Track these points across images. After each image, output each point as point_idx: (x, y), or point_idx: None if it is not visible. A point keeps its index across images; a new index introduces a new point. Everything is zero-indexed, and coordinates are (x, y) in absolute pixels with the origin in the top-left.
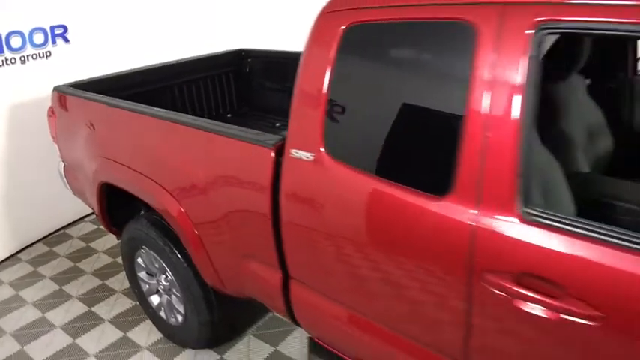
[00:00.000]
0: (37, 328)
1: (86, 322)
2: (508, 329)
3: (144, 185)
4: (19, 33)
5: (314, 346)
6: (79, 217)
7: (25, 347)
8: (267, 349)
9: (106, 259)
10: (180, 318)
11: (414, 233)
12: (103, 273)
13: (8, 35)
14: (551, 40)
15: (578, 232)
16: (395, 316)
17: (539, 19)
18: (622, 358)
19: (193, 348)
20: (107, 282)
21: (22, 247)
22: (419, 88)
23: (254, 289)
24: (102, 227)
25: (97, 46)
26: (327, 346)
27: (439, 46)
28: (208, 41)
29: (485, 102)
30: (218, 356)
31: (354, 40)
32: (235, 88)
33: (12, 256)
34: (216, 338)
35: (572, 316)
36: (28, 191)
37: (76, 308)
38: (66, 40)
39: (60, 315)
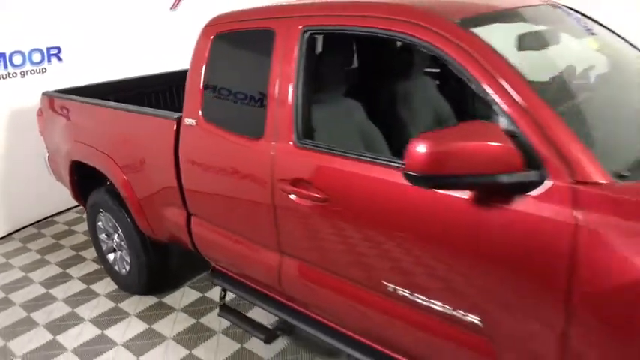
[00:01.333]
0: (21, 284)
1: (59, 279)
2: (292, 217)
3: (101, 160)
4: (20, 52)
5: (213, 271)
6: (66, 208)
7: (9, 295)
8: (196, 295)
9: (83, 238)
10: (127, 268)
11: (246, 164)
12: (79, 247)
13: (11, 54)
14: (318, 39)
15: (322, 151)
16: (239, 224)
17: (304, 25)
18: (339, 222)
19: (138, 294)
20: (81, 253)
21: (16, 229)
22: (250, 74)
23: (171, 229)
24: (84, 216)
25: (85, 65)
26: (222, 269)
27: (260, 46)
28: (173, 60)
29: (277, 80)
30: (157, 299)
31: (217, 44)
32: None
33: (6, 235)
34: (154, 285)
35: (318, 201)
36: (23, 184)
37: (53, 270)
38: (59, 59)
39: (39, 275)
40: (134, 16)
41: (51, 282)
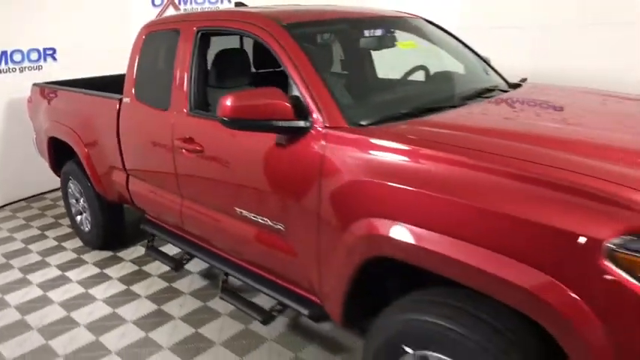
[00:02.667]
0: (6, 241)
1: (37, 238)
2: (184, 166)
3: (69, 135)
4: (20, 51)
5: (145, 219)
6: (55, 188)
7: None
8: (142, 250)
9: (64, 210)
10: (89, 226)
11: (158, 129)
12: (59, 216)
13: (12, 52)
14: (206, 37)
15: (201, 117)
16: (156, 178)
17: (197, 27)
18: (208, 166)
19: (97, 248)
20: (60, 221)
21: (9, 202)
22: (164, 62)
23: (117, 189)
24: None
25: (75, 65)
26: (150, 218)
27: (171, 42)
28: None
29: (179, 66)
30: (112, 253)
31: (147, 41)
32: None
33: (0, 207)
34: (109, 240)
35: (198, 152)
36: (19, 163)
37: (33, 232)
38: (54, 59)
39: (21, 235)
40: (122, 25)
41: (30, 240)
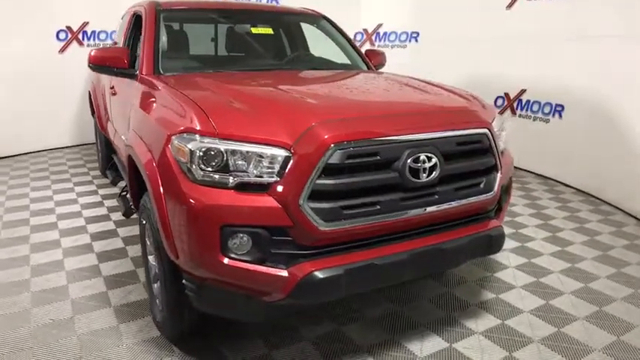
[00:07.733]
0: (58, 165)
1: (78, 166)
2: (112, 104)
3: (92, 90)
4: (105, 32)
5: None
6: None
7: (50, 167)
8: None
9: None
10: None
11: (105, 83)
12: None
13: (98, 32)
14: (136, 18)
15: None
16: (106, 114)
17: (133, 11)
18: (118, 101)
19: (102, 173)
20: None
21: (79, 144)
22: (120, 36)
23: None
24: None
25: None
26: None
27: (129, 22)
28: None
29: (121, 37)
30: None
31: (121, 21)
32: None
33: (73, 146)
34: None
35: (114, 92)
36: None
37: (79, 162)
38: None
39: (71, 163)
40: None
41: (73, 166)
